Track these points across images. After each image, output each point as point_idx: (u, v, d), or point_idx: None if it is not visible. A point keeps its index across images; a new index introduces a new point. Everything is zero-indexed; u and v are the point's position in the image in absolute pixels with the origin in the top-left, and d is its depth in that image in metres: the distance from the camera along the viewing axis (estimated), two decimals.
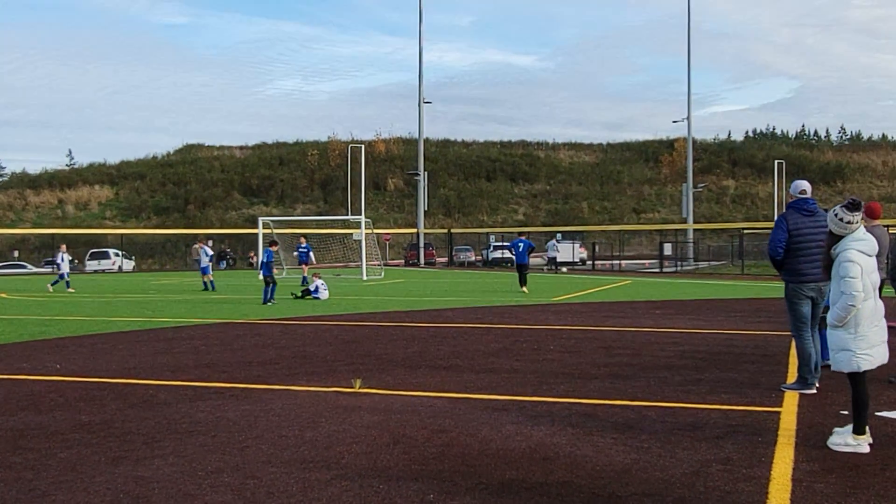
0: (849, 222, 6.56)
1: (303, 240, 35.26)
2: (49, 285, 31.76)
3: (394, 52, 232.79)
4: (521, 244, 29.14)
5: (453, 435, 6.89)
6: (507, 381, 9.53)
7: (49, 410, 8.05)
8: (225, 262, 64.70)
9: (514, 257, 30.67)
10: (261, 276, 24.29)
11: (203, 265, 31.73)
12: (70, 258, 33.83)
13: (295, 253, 34.23)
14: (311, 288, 24.77)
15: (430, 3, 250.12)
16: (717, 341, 13.38)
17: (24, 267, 62.44)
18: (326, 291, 24.67)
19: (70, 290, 30.63)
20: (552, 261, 50.49)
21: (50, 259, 64.61)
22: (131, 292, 29.69)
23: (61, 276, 31.83)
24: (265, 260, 24.12)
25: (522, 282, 28.17)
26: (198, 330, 15.84)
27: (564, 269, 50.75)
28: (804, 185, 9.25)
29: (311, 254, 34.92)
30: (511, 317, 18.21)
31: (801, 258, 8.85)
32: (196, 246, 43.94)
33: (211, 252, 32.56)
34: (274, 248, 25.04)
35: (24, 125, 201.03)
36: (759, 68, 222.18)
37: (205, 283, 31.27)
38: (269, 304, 22.43)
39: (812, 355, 8.87)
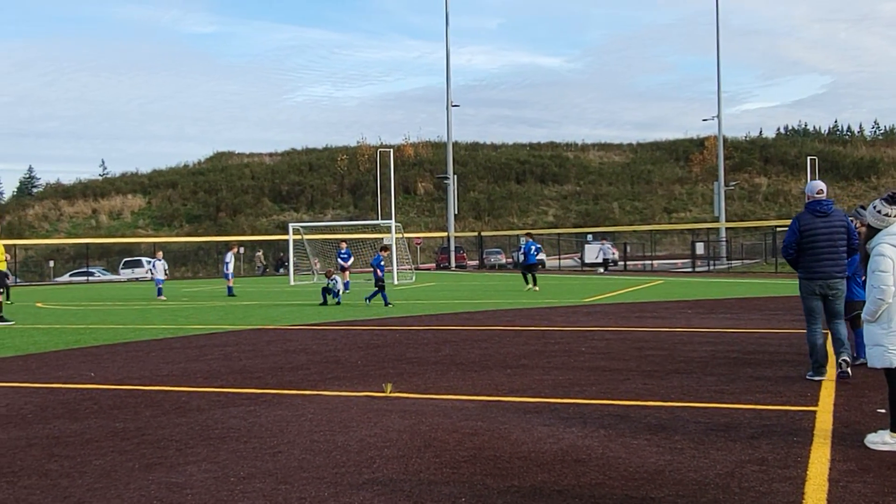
0: (886, 215, 6.52)
1: (343, 245, 35.35)
2: (157, 295, 30.40)
3: (422, 57, 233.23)
4: (533, 247, 30.93)
5: (485, 438, 6.87)
6: (539, 384, 9.50)
7: (84, 418, 8.11)
8: (283, 268, 64.80)
9: (523, 260, 32.20)
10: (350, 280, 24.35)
11: (227, 271, 31.91)
12: (165, 265, 32.28)
13: (338, 260, 34.35)
14: (334, 289, 24.79)
15: (457, 6, 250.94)
16: (750, 341, 13.27)
17: (91, 274, 63.25)
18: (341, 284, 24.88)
19: (161, 297, 29.94)
20: (605, 262, 51.06)
21: (129, 261, 65.41)
22: (160, 301, 29.83)
23: (160, 282, 30.66)
24: (375, 264, 24.17)
25: (534, 281, 29.85)
26: (229, 336, 15.92)
27: (601, 270, 50.71)
28: (820, 185, 9.64)
29: (351, 259, 34.97)
30: (542, 319, 18.16)
31: (811, 257, 9.30)
32: (259, 254, 44.33)
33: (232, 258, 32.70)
34: (385, 254, 25.16)
35: (58, 136, 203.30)
36: (791, 64, 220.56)
37: (229, 287, 31.48)
38: (388, 306, 22.78)
39: (819, 346, 9.33)
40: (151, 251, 68.50)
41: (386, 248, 26.50)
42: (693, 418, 7.49)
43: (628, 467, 5.89)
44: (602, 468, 5.88)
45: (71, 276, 62.69)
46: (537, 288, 29.23)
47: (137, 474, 6.01)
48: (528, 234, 33.10)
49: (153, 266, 31.84)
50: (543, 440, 6.75)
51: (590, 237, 60.80)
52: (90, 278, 61.64)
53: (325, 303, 24.39)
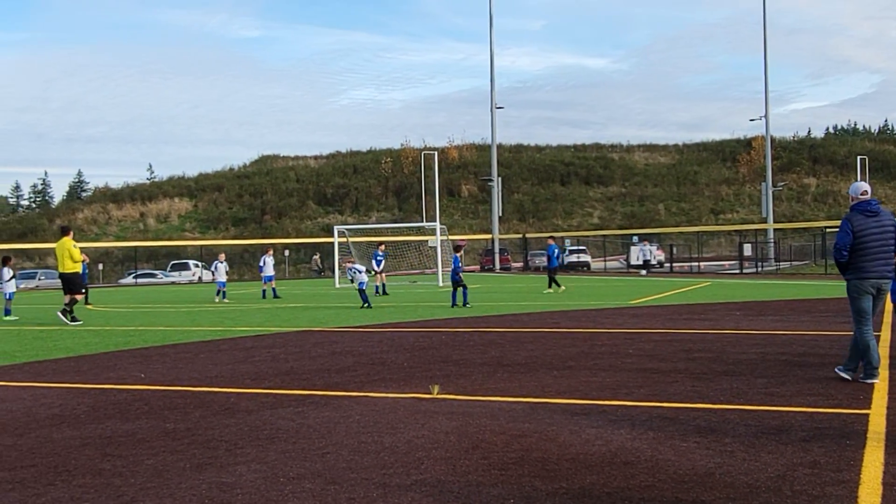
0: None
1: (382, 247, 35.52)
2: (222, 298, 30.51)
3: (466, 59, 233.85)
4: (556, 250, 32.49)
5: (532, 440, 6.85)
6: (586, 386, 9.46)
7: (135, 418, 8.20)
8: (322, 270, 65.14)
9: (548, 263, 33.44)
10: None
11: (268, 274, 32.13)
12: (227, 268, 32.27)
13: (373, 262, 34.54)
14: (357, 284, 24.84)
15: (501, 8, 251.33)
16: (800, 343, 13.12)
17: (154, 276, 64.23)
18: (363, 275, 25.00)
19: (225, 300, 30.16)
20: (646, 264, 50.62)
21: (176, 264, 66.19)
22: (211, 302, 30.13)
23: (222, 285, 30.77)
24: (456, 265, 24.29)
25: (556, 283, 30.96)
26: (276, 338, 16.03)
27: (644, 273, 50.37)
28: (864, 186, 9.60)
29: (383, 263, 35.09)
30: (588, 321, 18.09)
31: (863, 257, 9.26)
32: (316, 257, 44.39)
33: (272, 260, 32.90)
34: (459, 254, 25.31)
35: (107, 141, 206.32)
36: (840, 63, 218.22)
37: (273, 290, 31.70)
38: (466, 306, 23.00)
39: (872, 348, 9.27)
40: (199, 254, 69.45)
41: (458, 247, 26.47)
42: (743, 421, 7.42)
43: (678, 470, 5.85)
44: (651, 470, 5.84)
45: (135, 277, 63.61)
46: (563, 288, 30.12)
47: (188, 474, 6.07)
48: (551, 238, 33.40)
49: (215, 268, 31.76)
50: (592, 442, 6.73)
51: (635, 239, 60.41)
52: (152, 280, 62.53)
53: (366, 304, 24.42)
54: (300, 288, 43.56)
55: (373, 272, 33.43)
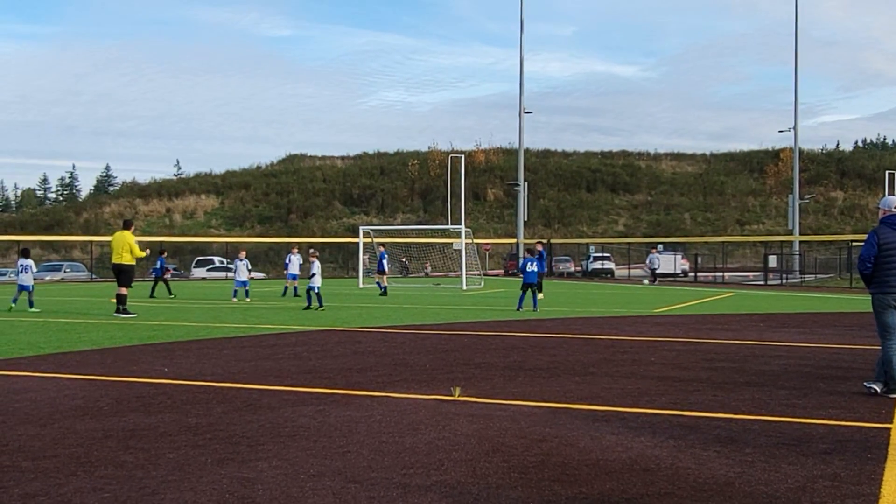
0: None
1: (381, 248, 35.66)
2: (243, 297, 29.32)
3: (496, 63, 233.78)
4: (544, 254, 29.68)
5: (553, 444, 6.86)
6: (607, 392, 9.45)
7: (157, 412, 8.27)
8: (406, 270, 64.87)
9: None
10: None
11: (293, 272, 32.14)
12: (249, 266, 30.42)
13: (384, 262, 34.75)
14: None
15: (532, 13, 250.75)
16: (823, 356, 13.05)
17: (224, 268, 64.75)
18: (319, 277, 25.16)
19: (247, 299, 29.21)
20: (653, 273, 49.47)
21: (201, 260, 66.58)
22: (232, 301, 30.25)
23: (242, 284, 29.36)
24: (538, 265, 24.14)
25: (540, 288, 27.69)
26: (299, 337, 16.09)
27: (646, 282, 49.37)
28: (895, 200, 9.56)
29: (385, 262, 35.07)
30: (611, 328, 18.05)
31: (888, 271, 9.20)
32: (365, 257, 44.45)
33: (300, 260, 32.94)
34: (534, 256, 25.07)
35: (136, 136, 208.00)
36: (871, 77, 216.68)
37: (295, 288, 31.76)
38: (534, 310, 22.90)
39: (893, 361, 9.19)
40: (224, 251, 69.79)
41: (534, 250, 25.80)
42: (764, 431, 7.39)
43: (698, 478, 5.84)
44: (671, 478, 5.84)
45: (208, 270, 64.10)
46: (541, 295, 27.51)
47: (210, 468, 6.11)
48: (539, 243, 32.03)
49: (235, 267, 30.36)
50: (612, 448, 6.73)
51: (660, 247, 60.21)
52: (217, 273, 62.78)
53: (309, 305, 24.37)
54: (323, 288, 43.67)
55: (378, 272, 33.68)
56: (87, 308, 24.06)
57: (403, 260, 66.37)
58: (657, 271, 49.63)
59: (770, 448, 6.75)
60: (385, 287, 33.40)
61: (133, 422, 7.82)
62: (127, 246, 21.20)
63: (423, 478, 5.85)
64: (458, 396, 9.06)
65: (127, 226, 21.99)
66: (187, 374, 10.93)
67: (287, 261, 32.70)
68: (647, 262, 49.98)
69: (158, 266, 33.76)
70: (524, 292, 23.49)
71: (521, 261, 24.16)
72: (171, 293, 32.35)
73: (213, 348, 14.01)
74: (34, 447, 6.81)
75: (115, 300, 21.47)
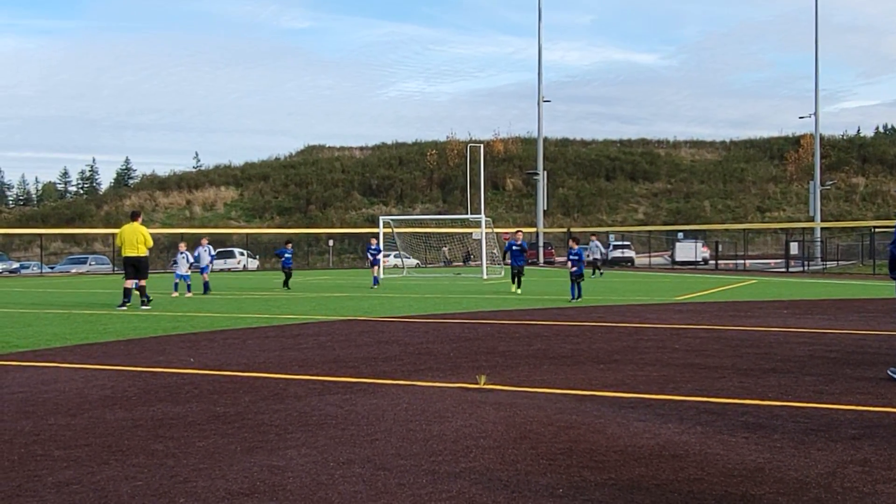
0: None
1: (374, 241, 35.45)
2: (185, 291, 27.82)
3: (515, 53, 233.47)
4: (525, 245, 28.33)
5: (580, 431, 6.86)
6: (633, 379, 9.44)
7: (185, 402, 8.32)
8: (470, 260, 64.45)
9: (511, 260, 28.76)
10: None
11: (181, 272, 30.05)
12: (190, 259, 28.85)
13: (368, 254, 34.73)
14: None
15: (550, 2, 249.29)
16: (849, 342, 12.99)
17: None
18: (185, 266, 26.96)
19: (188, 293, 27.69)
20: (594, 262, 43.30)
21: (221, 252, 66.86)
22: (257, 290, 30.38)
23: (182, 277, 27.94)
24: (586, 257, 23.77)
25: (519, 281, 27.26)
26: (322, 326, 16.14)
27: (600, 273, 43.52)
28: None
29: (380, 256, 34.79)
30: (633, 316, 18.02)
31: None
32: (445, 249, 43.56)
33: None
34: (576, 245, 24.61)
35: (156, 129, 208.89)
36: (893, 62, 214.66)
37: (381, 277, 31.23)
38: (574, 300, 22.58)
39: None
40: (244, 242, 69.99)
41: (577, 239, 24.67)
42: (792, 417, 7.37)
43: (727, 464, 5.83)
44: (700, 464, 5.83)
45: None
46: (519, 290, 26.76)
47: (239, 456, 6.15)
48: (519, 231, 30.00)
49: (176, 259, 28.87)
50: (640, 435, 6.72)
51: (680, 235, 59.98)
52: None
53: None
54: (343, 278, 43.82)
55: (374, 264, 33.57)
56: (112, 300, 24.19)
57: (445, 250, 66.26)
58: (598, 261, 43.91)
59: (798, 434, 6.73)
60: (377, 279, 33.03)
61: (161, 411, 7.87)
62: (141, 237, 21.28)
63: (452, 465, 5.87)
64: (484, 384, 9.07)
65: (135, 217, 21.99)
66: (213, 363, 10.98)
67: (196, 255, 30.13)
68: (588, 249, 42.14)
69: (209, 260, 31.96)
70: (573, 283, 22.97)
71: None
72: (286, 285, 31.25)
73: (237, 338, 14.07)
74: (65, 436, 6.87)
75: (129, 293, 21.28)
